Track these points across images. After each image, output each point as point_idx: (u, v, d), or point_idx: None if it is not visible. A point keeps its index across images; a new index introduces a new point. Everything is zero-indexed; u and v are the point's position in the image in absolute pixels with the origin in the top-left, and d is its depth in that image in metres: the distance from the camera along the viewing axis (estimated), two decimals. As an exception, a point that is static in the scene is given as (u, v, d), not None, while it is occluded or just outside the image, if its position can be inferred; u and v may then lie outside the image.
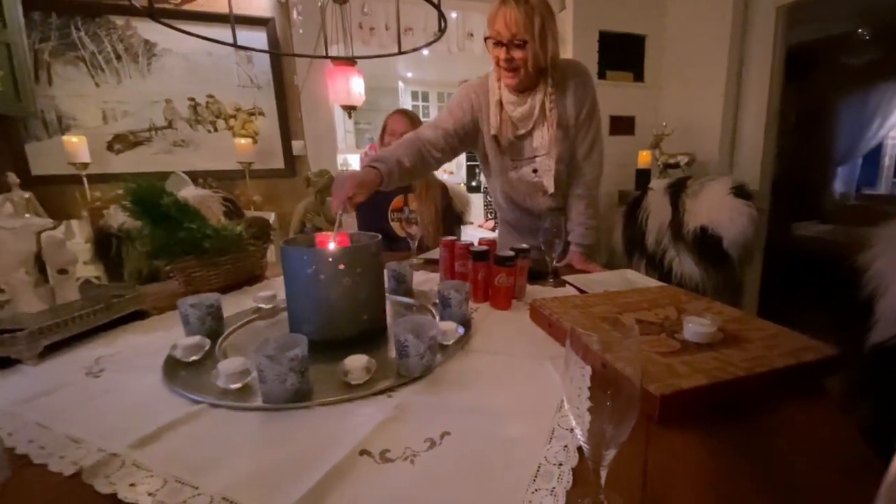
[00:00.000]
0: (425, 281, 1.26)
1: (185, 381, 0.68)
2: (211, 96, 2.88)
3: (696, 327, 0.73)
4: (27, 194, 1.32)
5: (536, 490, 0.45)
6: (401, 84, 6.59)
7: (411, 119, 2.06)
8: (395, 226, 2.01)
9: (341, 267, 0.79)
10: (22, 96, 2.18)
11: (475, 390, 0.66)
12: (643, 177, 3.00)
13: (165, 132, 2.81)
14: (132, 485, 0.46)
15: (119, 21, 2.62)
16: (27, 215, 0.85)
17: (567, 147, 1.37)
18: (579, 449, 0.50)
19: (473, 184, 6.67)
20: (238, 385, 0.64)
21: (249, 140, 2.94)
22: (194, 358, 0.73)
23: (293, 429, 0.57)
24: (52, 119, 2.55)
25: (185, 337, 0.78)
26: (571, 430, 0.54)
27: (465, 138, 1.38)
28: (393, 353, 0.73)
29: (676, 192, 2.31)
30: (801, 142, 4.31)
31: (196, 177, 2.73)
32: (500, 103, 1.33)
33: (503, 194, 1.52)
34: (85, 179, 2.52)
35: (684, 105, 3.05)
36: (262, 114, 3.03)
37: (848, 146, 4.47)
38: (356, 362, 0.67)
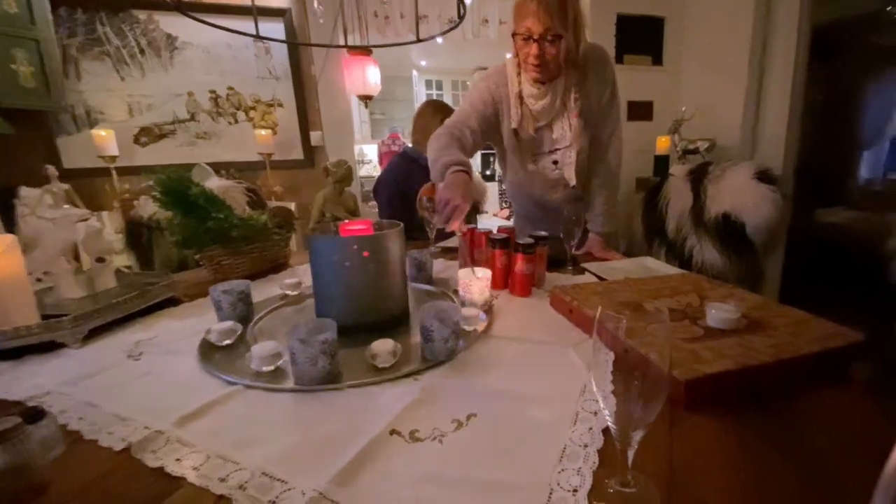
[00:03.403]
0: (445, 269, 1.27)
1: (220, 363, 0.70)
2: (231, 88, 2.92)
3: (719, 313, 0.72)
4: (66, 186, 1.37)
5: (563, 470, 0.46)
6: (415, 73, 6.55)
7: (441, 109, 2.08)
8: (425, 214, 2.01)
9: (366, 254, 0.80)
10: (52, 91, 2.23)
11: (499, 374, 0.67)
12: (662, 163, 2.94)
13: (188, 125, 2.86)
14: (178, 459, 0.48)
15: (142, 15, 2.66)
16: (66, 206, 0.88)
17: (588, 136, 1.34)
18: (605, 432, 0.51)
19: (488, 172, 6.62)
20: (271, 367, 0.67)
21: (269, 131, 2.97)
22: (227, 342, 0.76)
23: (325, 409, 0.59)
24: (81, 113, 2.61)
25: (218, 322, 0.80)
26: (595, 413, 0.55)
27: (487, 132, 1.36)
28: (417, 338, 0.74)
29: (698, 177, 2.26)
30: (826, 125, 4.16)
31: (218, 168, 2.77)
32: (520, 96, 1.29)
33: (520, 187, 1.50)
34: (114, 172, 2.59)
35: (705, 89, 2.97)
36: (280, 105, 3.05)
37: (875, 130, 4.29)
38: (383, 346, 0.69)
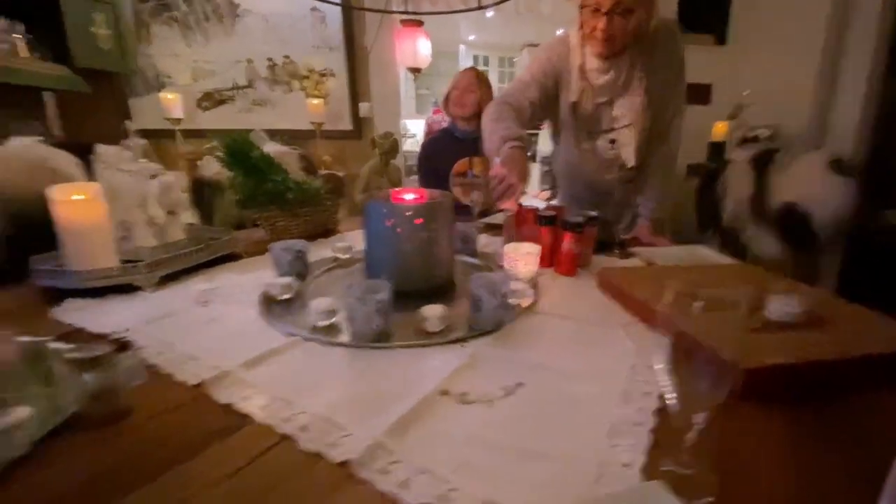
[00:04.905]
0: (488, 244, 1.25)
1: (280, 315, 0.73)
2: (287, 57, 2.95)
3: (781, 306, 0.68)
4: (142, 141, 1.45)
5: (615, 446, 0.45)
6: (462, 48, 6.40)
7: (479, 77, 2.04)
8: (456, 191, 1.99)
9: (418, 221, 0.80)
10: (126, 54, 2.33)
11: (546, 348, 0.66)
12: (717, 150, 2.76)
13: (246, 91, 2.93)
14: (244, 398, 0.51)
15: (203, -20, 2.71)
16: (142, 160, 0.93)
17: (650, 116, 1.26)
18: (658, 413, 0.49)
19: (529, 153, 6.45)
20: (327, 322, 0.69)
21: (321, 100, 2.99)
22: (287, 296, 0.78)
23: (378, 366, 0.60)
24: (151, 76, 2.72)
25: (276, 278, 0.83)
26: (649, 393, 0.53)
27: (545, 105, 1.29)
28: (464, 307, 0.74)
29: (762, 164, 2.09)
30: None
31: (272, 135, 2.84)
32: (583, 69, 1.23)
33: (572, 166, 1.44)
34: (178, 133, 2.70)
35: (771, 71, 2.73)
36: (332, 75, 3.06)
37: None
38: (433, 311, 0.69)
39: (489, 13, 4.07)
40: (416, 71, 3.29)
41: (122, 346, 0.52)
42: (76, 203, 0.79)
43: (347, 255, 1.05)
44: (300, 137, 3.03)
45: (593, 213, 1.06)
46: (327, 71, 3.05)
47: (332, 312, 0.69)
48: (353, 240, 1.12)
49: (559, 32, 1.27)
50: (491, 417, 0.50)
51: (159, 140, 2.75)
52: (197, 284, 0.87)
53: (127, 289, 0.82)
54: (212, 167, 1.71)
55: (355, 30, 3.02)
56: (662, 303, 0.41)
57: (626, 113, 1.23)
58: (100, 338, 0.64)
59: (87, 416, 0.45)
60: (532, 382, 0.56)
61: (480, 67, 6.66)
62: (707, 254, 1.21)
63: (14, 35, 1.76)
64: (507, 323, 0.73)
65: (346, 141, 3.22)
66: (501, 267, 0.98)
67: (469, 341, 0.67)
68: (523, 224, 1.19)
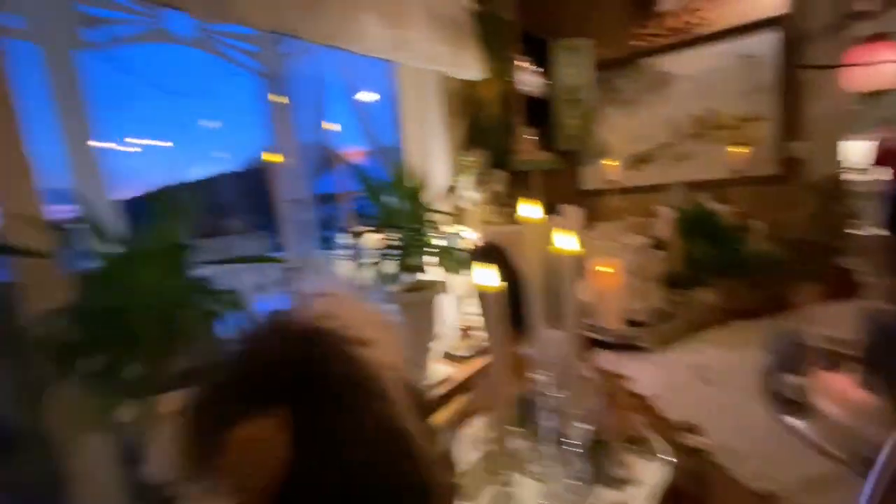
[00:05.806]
0: None
1: (802, 425, 0.62)
2: (712, 110, 2.69)
3: None
4: (632, 219, 1.63)
5: None
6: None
7: None
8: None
9: None
10: (586, 135, 2.80)
11: None
12: None
13: (668, 149, 2.86)
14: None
15: (644, 62, 2.85)
16: (630, 234, 1.08)
17: None
18: None
19: None
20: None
21: (745, 149, 2.55)
22: (798, 399, 0.67)
23: None
24: (595, 147, 3.12)
25: (774, 367, 0.73)
26: None
27: None
28: None
29: None
30: None
31: (689, 187, 2.65)
32: None
33: None
34: (612, 193, 2.94)
35: None
36: (759, 118, 2.55)
37: None
38: None
39: None
40: (878, 94, 2.27)
41: (691, 429, 0.57)
42: (606, 274, 0.97)
43: (846, 351, 0.81)
44: (710, 187, 2.70)
45: None
46: (755, 115, 2.57)
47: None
48: (831, 322, 0.86)
49: None
50: None
51: (596, 198, 3.09)
52: (687, 354, 0.89)
53: (635, 348, 0.92)
54: (657, 226, 1.72)
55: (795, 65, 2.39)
56: None
57: None
58: (639, 397, 0.73)
59: (687, 494, 0.50)
60: None
61: None
62: None
63: (531, 137, 2.47)
64: None
65: (765, 186, 2.61)
66: None
67: None
68: None
